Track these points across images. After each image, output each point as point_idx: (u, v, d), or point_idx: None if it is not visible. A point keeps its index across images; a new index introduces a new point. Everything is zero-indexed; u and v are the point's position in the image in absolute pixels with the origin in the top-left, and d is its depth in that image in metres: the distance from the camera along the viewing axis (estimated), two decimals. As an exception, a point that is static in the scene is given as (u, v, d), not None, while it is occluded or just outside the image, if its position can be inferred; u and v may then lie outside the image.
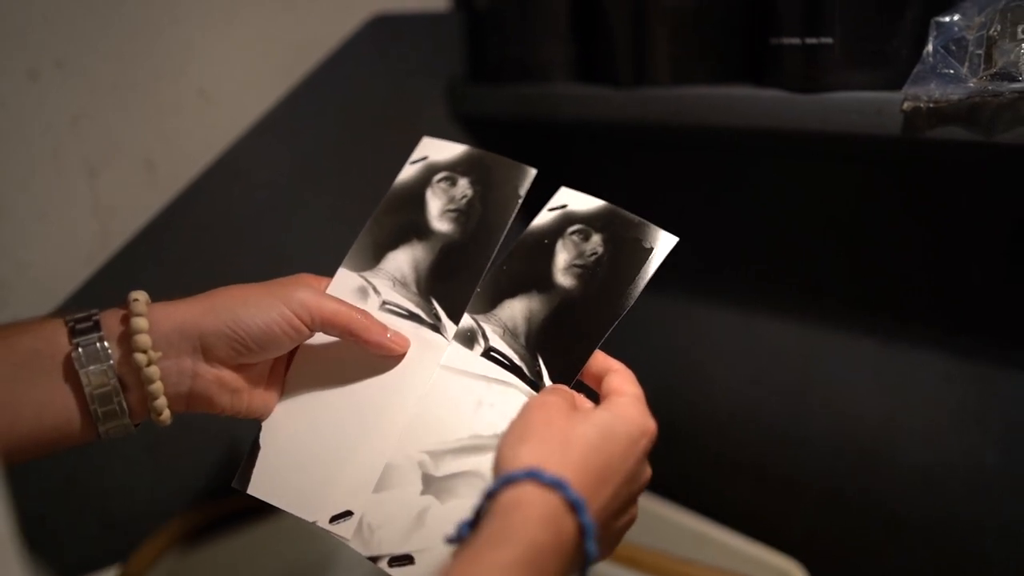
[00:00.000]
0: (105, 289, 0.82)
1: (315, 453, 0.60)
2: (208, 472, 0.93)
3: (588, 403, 0.57)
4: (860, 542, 0.90)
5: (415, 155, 0.69)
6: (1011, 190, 0.74)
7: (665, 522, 0.95)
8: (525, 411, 0.52)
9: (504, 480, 0.46)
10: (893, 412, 0.85)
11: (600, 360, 0.58)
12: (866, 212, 0.84)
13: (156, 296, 0.57)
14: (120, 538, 0.86)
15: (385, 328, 0.61)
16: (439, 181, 0.67)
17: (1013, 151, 0.62)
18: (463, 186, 0.66)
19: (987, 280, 0.77)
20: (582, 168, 1.05)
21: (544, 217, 0.65)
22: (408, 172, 0.68)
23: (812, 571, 0.85)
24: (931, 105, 0.63)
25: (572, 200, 0.65)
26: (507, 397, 0.59)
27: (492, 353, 0.61)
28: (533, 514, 0.44)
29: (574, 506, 0.46)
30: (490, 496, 0.46)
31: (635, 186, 1.00)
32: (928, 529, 0.84)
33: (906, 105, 0.64)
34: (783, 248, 0.90)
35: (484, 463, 0.57)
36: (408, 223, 0.66)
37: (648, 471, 0.54)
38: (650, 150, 0.99)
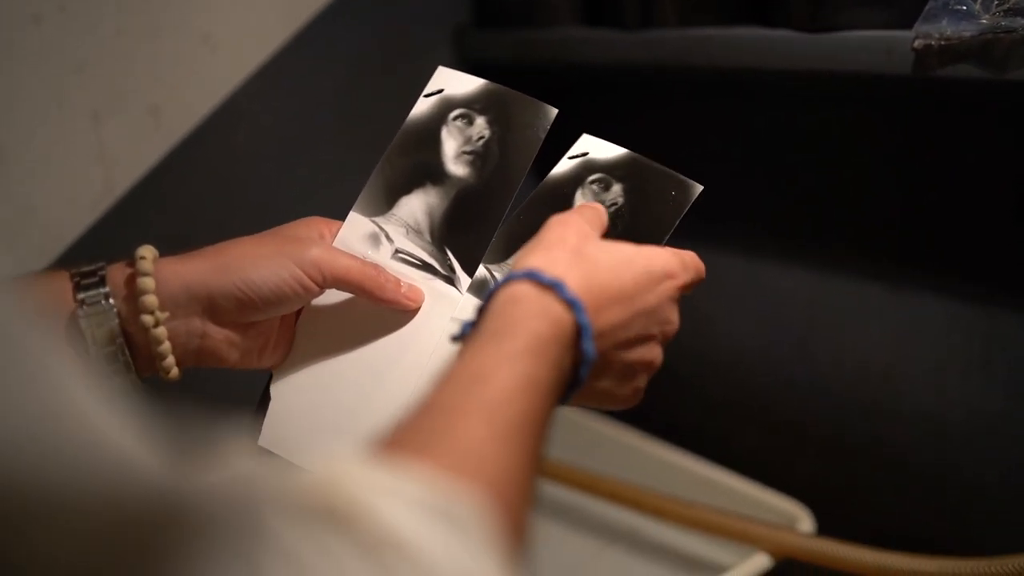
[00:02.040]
0: (111, 234, 0.82)
1: (325, 407, 0.60)
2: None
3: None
4: (865, 486, 0.90)
5: (430, 87, 0.64)
6: (1021, 133, 0.73)
7: (672, 467, 0.95)
8: (543, 228, 0.51)
9: (504, 279, 0.46)
10: (898, 358, 0.85)
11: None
12: (874, 156, 0.83)
13: (161, 243, 0.55)
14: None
15: (399, 283, 0.59)
16: (455, 119, 0.63)
17: (1025, 88, 0.61)
18: (480, 126, 0.63)
19: (994, 225, 0.76)
20: (589, 113, 1.03)
21: (564, 165, 0.62)
22: (422, 106, 0.63)
23: (818, 515, 0.86)
24: (942, 43, 0.62)
25: (593, 148, 0.62)
26: None
27: None
28: (531, 308, 0.44)
29: (571, 305, 0.45)
30: (491, 296, 0.46)
31: (641, 130, 0.99)
32: (932, 473, 0.85)
33: (917, 43, 0.63)
34: (789, 192, 0.90)
35: None
36: (422, 164, 0.62)
37: (675, 317, 0.53)
38: (657, 94, 0.98)
